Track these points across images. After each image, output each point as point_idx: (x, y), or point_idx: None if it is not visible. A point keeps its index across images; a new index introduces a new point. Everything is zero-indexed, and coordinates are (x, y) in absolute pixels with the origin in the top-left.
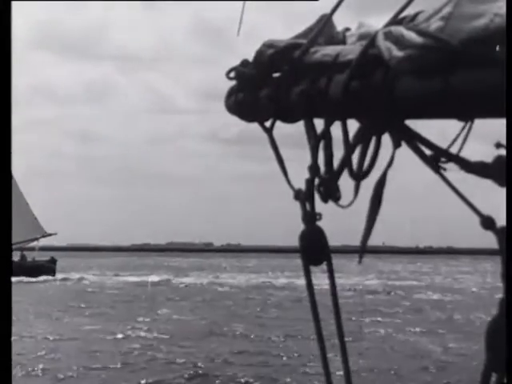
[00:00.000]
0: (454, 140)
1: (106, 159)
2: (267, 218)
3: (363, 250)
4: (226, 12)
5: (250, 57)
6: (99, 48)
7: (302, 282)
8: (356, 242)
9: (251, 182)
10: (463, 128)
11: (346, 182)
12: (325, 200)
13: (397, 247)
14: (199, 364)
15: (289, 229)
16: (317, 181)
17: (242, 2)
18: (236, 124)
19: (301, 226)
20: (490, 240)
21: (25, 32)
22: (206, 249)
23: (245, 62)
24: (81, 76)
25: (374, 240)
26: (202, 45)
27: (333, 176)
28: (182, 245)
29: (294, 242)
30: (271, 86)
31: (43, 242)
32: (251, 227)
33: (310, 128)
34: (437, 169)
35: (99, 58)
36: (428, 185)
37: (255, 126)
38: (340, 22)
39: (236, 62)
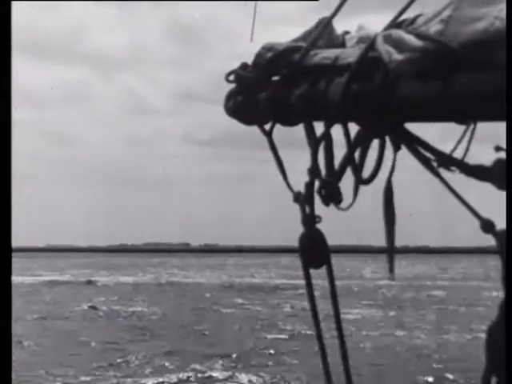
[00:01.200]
0: (457, 144)
1: (83, 161)
2: (243, 219)
3: (392, 260)
4: (201, 13)
5: (229, 58)
6: (74, 50)
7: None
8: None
9: (226, 182)
10: (465, 131)
11: (342, 185)
12: (326, 203)
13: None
14: None
15: (268, 228)
16: (317, 183)
17: (246, 3)
18: (210, 126)
19: (273, 227)
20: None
21: None
22: (183, 249)
23: (244, 65)
24: (56, 78)
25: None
26: (177, 46)
27: (334, 178)
28: (159, 245)
29: (273, 241)
30: (270, 89)
31: (21, 243)
32: (228, 228)
33: (309, 131)
34: (436, 172)
35: (75, 60)
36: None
37: (230, 127)
38: (339, 24)
39: (212, 64)
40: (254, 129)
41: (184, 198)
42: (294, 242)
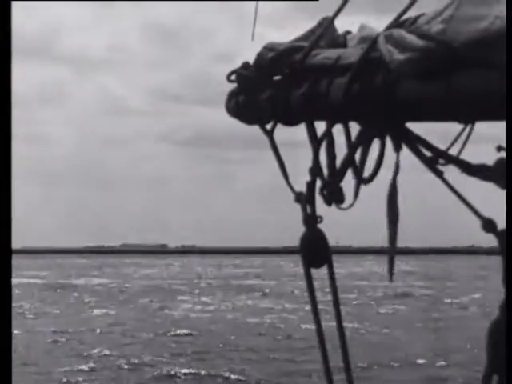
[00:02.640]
0: (453, 142)
1: (60, 161)
2: (220, 220)
3: (392, 261)
4: (178, 13)
5: (207, 58)
6: (52, 50)
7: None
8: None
9: (204, 183)
10: (463, 130)
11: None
12: (329, 203)
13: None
14: None
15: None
16: (319, 183)
17: (249, 3)
18: (189, 126)
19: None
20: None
21: None
22: (161, 250)
23: (245, 65)
24: (34, 78)
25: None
26: (155, 46)
27: (336, 178)
28: (136, 246)
29: (250, 242)
30: (272, 89)
31: None
32: (205, 228)
33: (311, 131)
34: (438, 171)
35: (52, 60)
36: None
37: (207, 127)
38: (341, 24)
39: (189, 64)
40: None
41: (163, 198)
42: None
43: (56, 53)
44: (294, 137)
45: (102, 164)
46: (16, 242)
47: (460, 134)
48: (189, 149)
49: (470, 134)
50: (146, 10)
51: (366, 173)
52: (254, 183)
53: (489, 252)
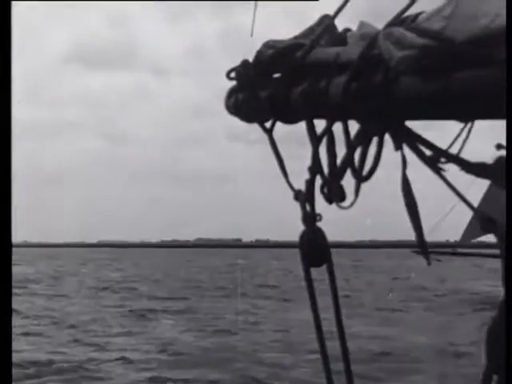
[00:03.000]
0: (454, 141)
1: (140, 160)
2: (292, 215)
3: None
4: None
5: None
6: (131, 59)
7: None
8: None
9: (272, 180)
10: (463, 129)
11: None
12: (329, 201)
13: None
14: None
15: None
16: (319, 181)
17: (253, 2)
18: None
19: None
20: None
21: (64, 46)
22: (235, 244)
23: (245, 63)
24: (115, 85)
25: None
26: (230, 52)
27: (336, 176)
28: (211, 241)
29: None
30: (271, 87)
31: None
32: (278, 223)
33: (310, 129)
34: (437, 170)
35: (131, 68)
36: None
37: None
38: (340, 21)
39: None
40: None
41: (232, 193)
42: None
43: (135, 62)
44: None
45: (179, 162)
46: (92, 237)
47: (460, 132)
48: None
49: (469, 132)
50: (222, 15)
51: (365, 171)
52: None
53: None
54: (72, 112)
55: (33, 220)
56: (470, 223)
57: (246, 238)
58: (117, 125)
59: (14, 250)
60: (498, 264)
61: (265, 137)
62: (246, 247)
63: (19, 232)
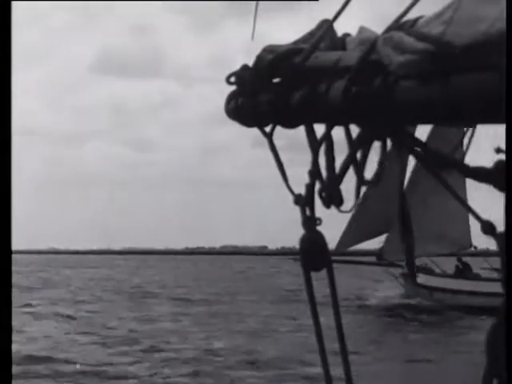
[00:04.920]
0: (457, 146)
1: (165, 166)
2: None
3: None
4: (278, 28)
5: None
6: (157, 67)
7: None
8: None
9: (295, 185)
10: (465, 134)
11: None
12: (327, 205)
13: None
14: None
15: None
16: (318, 186)
17: (253, 3)
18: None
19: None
20: None
21: (90, 55)
22: (261, 252)
23: (245, 67)
24: (141, 92)
25: None
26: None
27: (335, 181)
28: (236, 248)
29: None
30: (271, 92)
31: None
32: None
33: (310, 133)
34: (438, 175)
35: (157, 76)
36: None
37: (299, 132)
38: (340, 26)
39: None
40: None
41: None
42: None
43: (162, 70)
44: None
45: (202, 168)
46: (116, 244)
47: (462, 137)
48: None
49: (471, 137)
50: (249, 24)
51: (366, 175)
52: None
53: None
54: (97, 119)
55: (58, 227)
56: (345, 233)
57: (272, 245)
58: (142, 132)
59: (38, 256)
60: None
61: (288, 143)
62: (272, 254)
63: (44, 239)
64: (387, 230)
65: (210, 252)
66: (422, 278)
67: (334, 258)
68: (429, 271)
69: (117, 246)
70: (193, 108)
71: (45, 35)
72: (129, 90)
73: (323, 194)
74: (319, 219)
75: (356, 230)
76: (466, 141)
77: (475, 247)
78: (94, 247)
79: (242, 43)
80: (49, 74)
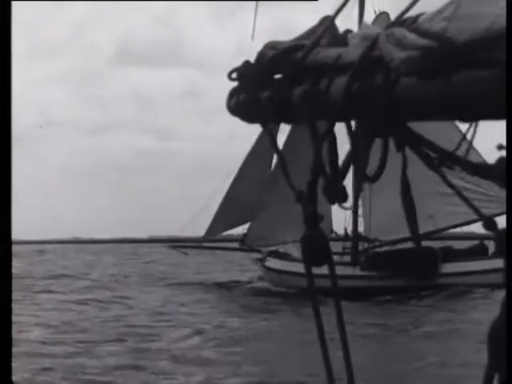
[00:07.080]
0: (460, 143)
1: (186, 155)
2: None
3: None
4: (300, 16)
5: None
6: (177, 56)
7: None
8: None
9: None
10: (468, 130)
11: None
12: (332, 201)
13: None
14: None
15: None
16: (321, 182)
17: (253, 3)
18: None
19: None
20: None
21: (111, 44)
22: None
23: (246, 63)
24: (162, 81)
25: None
26: None
27: (339, 177)
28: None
29: None
30: (273, 88)
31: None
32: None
33: (312, 129)
34: (439, 171)
35: (178, 65)
36: None
37: None
38: (342, 22)
39: None
40: None
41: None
42: None
43: (183, 59)
44: None
45: (224, 157)
46: (140, 232)
47: (465, 134)
48: None
49: (474, 133)
50: (265, 13)
51: (367, 172)
52: None
53: None
54: (119, 108)
55: (81, 216)
56: (214, 220)
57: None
58: (164, 121)
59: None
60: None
61: None
62: None
63: (70, 229)
64: (251, 218)
65: (236, 239)
66: (271, 262)
67: (202, 244)
68: (280, 255)
69: (142, 235)
70: (214, 96)
71: (66, 26)
72: (150, 80)
73: (327, 191)
74: (321, 216)
75: (224, 219)
76: (468, 137)
77: (336, 233)
78: (120, 235)
79: (262, 31)
80: (69, 64)
